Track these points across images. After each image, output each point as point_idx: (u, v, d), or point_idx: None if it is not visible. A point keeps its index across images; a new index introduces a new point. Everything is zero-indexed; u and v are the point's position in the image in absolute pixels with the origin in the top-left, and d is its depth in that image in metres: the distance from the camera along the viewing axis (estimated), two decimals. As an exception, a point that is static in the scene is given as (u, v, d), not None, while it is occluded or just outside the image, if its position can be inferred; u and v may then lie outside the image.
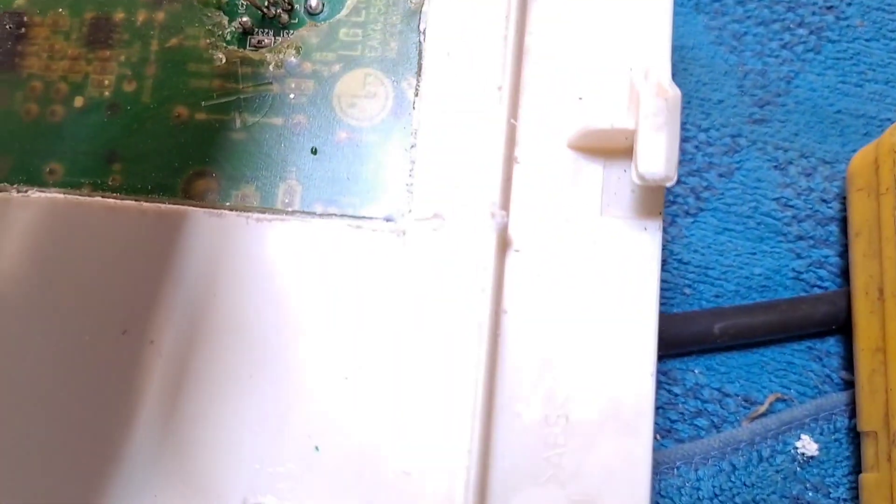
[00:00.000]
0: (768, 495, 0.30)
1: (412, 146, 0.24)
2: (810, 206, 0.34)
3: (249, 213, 0.24)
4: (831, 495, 0.31)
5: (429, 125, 0.24)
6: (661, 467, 0.29)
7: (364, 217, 0.24)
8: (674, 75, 0.30)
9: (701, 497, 0.29)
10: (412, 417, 0.22)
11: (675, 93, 0.21)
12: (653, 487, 0.24)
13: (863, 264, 0.30)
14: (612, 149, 0.23)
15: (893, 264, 0.28)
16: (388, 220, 0.24)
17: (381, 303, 0.23)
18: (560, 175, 0.23)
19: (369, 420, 0.23)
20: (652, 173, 0.20)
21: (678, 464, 0.29)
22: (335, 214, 0.24)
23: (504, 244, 0.23)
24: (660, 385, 0.31)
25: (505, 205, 0.23)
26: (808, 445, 0.31)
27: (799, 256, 0.33)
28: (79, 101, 0.26)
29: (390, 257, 0.23)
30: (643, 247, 0.23)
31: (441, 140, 0.24)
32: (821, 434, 0.31)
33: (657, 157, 0.20)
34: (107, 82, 0.26)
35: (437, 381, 0.22)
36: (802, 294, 0.33)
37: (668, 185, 0.20)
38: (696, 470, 0.29)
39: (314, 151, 0.25)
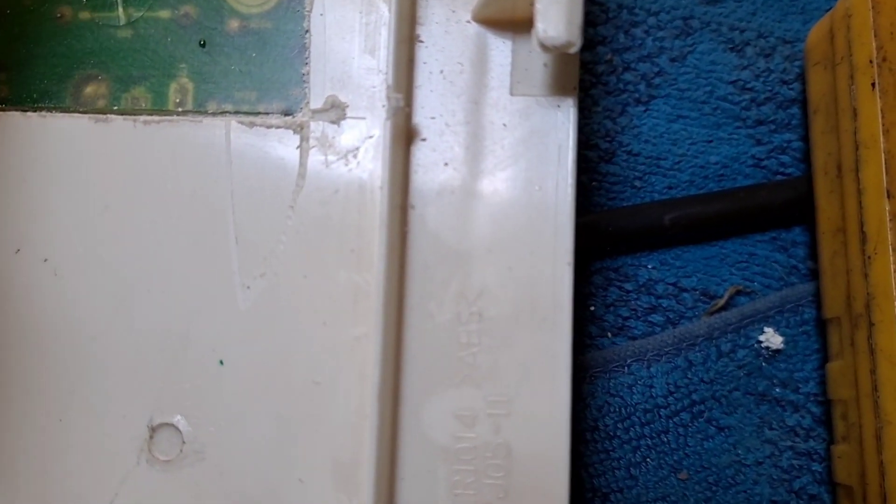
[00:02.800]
0: (730, 392, 0.29)
1: (306, 31, 0.22)
2: (770, 88, 0.32)
3: (137, 117, 0.22)
4: (800, 390, 0.29)
5: (322, 6, 0.22)
6: (611, 365, 0.28)
7: (260, 113, 0.22)
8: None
9: (654, 395, 0.27)
10: (319, 324, 0.21)
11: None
12: (579, 373, 0.23)
13: (821, 142, 0.28)
14: (520, 19, 0.21)
15: (850, 138, 0.26)
16: (285, 114, 0.22)
17: (281, 203, 0.21)
18: (467, 54, 0.22)
19: (275, 330, 0.21)
20: (552, 38, 0.18)
21: (629, 361, 0.28)
22: (229, 112, 0.22)
23: (407, 133, 0.21)
24: (610, 282, 0.29)
25: (407, 90, 0.21)
26: (772, 338, 0.29)
27: (759, 142, 0.31)
28: (-43, 10, 0.24)
29: (288, 153, 0.22)
30: (557, 126, 0.21)
31: (336, 22, 0.22)
32: (787, 327, 0.30)
33: (557, 18, 0.18)
34: (-16, -13, 0.24)
35: (342, 285, 0.21)
36: (764, 182, 0.31)
37: (571, 51, 0.18)
38: (649, 367, 0.28)
39: (203, 44, 0.23)
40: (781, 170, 0.31)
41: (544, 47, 0.18)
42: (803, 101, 0.31)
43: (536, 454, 0.20)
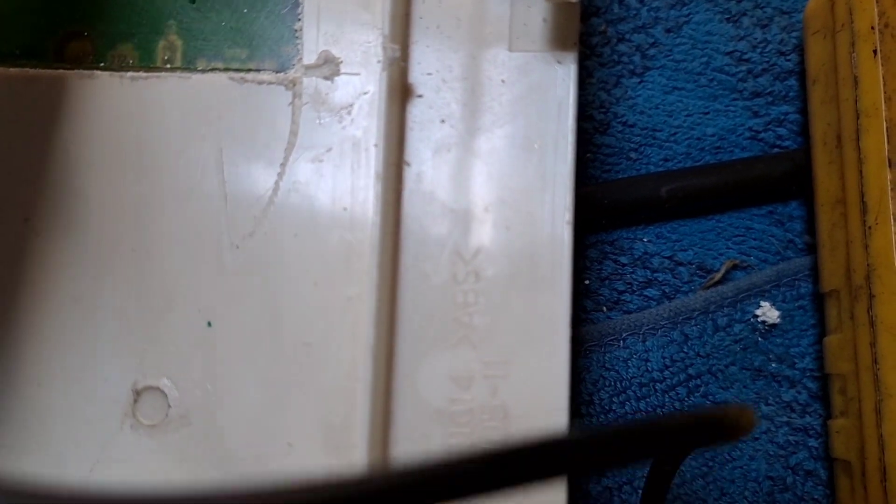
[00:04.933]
0: (726, 366, 0.28)
1: (299, -14, 0.21)
2: (767, 59, 0.31)
3: (124, 73, 0.22)
4: (797, 365, 0.29)
5: (315, -40, 0.21)
6: (607, 339, 0.27)
7: (251, 69, 0.21)
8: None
9: (650, 368, 0.27)
10: (310, 284, 0.20)
11: None
12: (574, 346, 0.22)
13: (820, 112, 0.28)
14: (519, -28, 0.20)
15: (850, 107, 0.26)
16: (277, 70, 0.21)
17: (272, 160, 0.21)
18: (465, 8, 0.21)
19: (264, 290, 0.21)
20: (554, -14, 0.18)
21: (625, 335, 0.27)
22: (219, 69, 0.22)
23: (403, 88, 0.21)
24: (605, 255, 0.29)
25: (403, 45, 0.21)
26: (768, 313, 0.29)
27: (756, 114, 0.31)
28: (-64, -36, 0.23)
29: (280, 110, 0.21)
30: (557, 83, 0.20)
31: (329, -24, 0.21)
32: (783, 301, 0.29)
33: (559, -34, 0.18)
34: (-36, -61, 0.23)
35: (334, 244, 0.20)
36: (760, 154, 0.30)
37: (573, -2, 0.18)
38: (645, 341, 0.27)
39: (192, 0, 0.22)
40: (778, 142, 0.31)
41: (546, -5, 0.18)
42: (801, 73, 0.31)
43: (534, 416, 0.19)
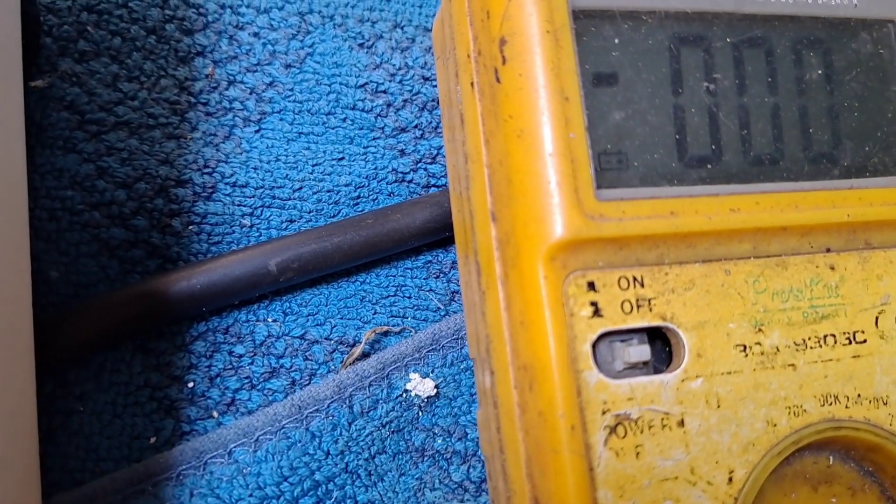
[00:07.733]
0: (370, 458, 0.24)
1: None
2: (409, 88, 0.27)
3: None
4: (470, 436, 0.25)
5: None
6: (207, 456, 0.22)
7: None
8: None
9: (262, 484, 0.22)
10: None
11: None
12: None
13: (448, 152, 0.24)
14: None
15: (461, 149, 0.22)
16: None
17: None
18: None
19: None
20: None
21: (231, 447, 0.22)
22: None
23: None
24: (216, 348, 0.24)
25: None
26: (420, 385, 0.25)
27: (402, 153, 0.27)
28: None
29: None
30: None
31: None
32: (445, 365, 0.25)
33: None
34: None
35: None
36: (415, 198, 0.26)
37: None
38: (256, 450, 0.23)
39: None
40: (434, 183, 0.27)
41: None
42: (448, 101, 0.27)
43: None
